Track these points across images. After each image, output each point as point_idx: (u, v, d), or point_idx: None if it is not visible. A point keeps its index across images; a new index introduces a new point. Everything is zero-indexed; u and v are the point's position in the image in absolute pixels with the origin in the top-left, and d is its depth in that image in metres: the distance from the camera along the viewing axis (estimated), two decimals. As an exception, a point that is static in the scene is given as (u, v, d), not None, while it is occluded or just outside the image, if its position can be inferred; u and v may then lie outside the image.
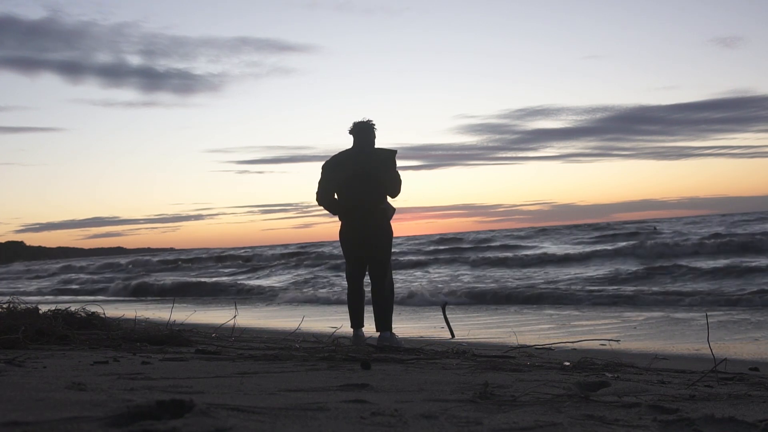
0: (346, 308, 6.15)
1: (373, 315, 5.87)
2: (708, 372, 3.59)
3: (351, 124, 5.86)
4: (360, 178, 5.74)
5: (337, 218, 6.00)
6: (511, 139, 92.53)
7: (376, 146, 5.91)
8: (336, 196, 5.93)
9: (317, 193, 5.94)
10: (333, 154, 5.97)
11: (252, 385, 2.77)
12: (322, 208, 6.01)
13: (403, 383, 2.97)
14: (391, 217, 5.93)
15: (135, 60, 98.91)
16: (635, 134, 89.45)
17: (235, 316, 6.26)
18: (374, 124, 5.87)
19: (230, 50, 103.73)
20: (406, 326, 9.13)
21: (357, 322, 5.92)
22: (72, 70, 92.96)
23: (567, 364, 4.06)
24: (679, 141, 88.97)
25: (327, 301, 15.41)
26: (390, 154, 5.82)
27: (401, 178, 5.85)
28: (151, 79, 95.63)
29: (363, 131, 5.83)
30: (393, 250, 6.28)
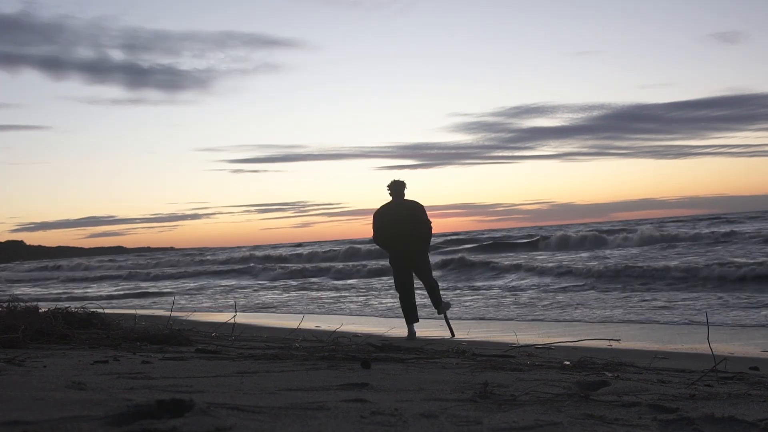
0: None
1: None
2: (708, 371, 3.58)
3: (390, 182, 7.99)
4: (401, 219, 7.81)
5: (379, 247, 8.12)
6: (507, 138, 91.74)
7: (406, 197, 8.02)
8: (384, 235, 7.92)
9: (374, 236, 7.96)
10: (377, 204, 8.08)
11: (252, 385, 2.77)
12: (377, 246, 8.09)
13: (403, 382, 2.96)
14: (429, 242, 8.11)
15: (117, 55, 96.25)
16: (632, 132, 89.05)
17: (234, 316, 6.27)
18: (405, 183, 8.01)
19: (215, 45, 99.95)
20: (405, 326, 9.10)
21: (411, 318, 7.69)
22: (53, 65, 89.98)
23: (567, 363, 4.07)
24: (677, 139, 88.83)
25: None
26: (420, 205, 7.91)
27: (430, 220, 7.96)
28: (136, 75, 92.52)
29: (398, 188, 7.97)
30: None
